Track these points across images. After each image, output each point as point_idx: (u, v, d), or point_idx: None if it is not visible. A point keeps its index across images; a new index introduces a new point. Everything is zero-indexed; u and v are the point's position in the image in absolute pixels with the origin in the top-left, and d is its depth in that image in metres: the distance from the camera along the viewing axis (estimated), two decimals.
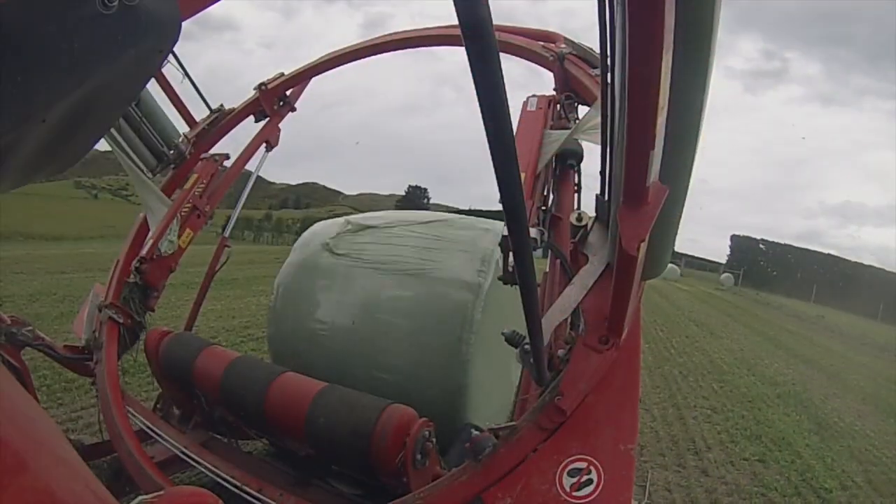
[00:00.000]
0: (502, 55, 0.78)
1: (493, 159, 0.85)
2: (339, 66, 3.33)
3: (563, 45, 2.63)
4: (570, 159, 2.43)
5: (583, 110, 2.58)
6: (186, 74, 3.14)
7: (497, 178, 0.88)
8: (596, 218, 1.71)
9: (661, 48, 0.91)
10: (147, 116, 3.09)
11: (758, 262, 44.97)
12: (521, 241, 1.06)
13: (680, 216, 1.55)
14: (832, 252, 45.02)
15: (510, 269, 1.60)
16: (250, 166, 3.61)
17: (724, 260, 46.16)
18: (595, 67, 2.46)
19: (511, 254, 1.37)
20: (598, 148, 1.54)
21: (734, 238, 48.26)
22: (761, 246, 47.23)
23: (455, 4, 0.66)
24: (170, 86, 3.18)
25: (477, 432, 1.76)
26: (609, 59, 1.20)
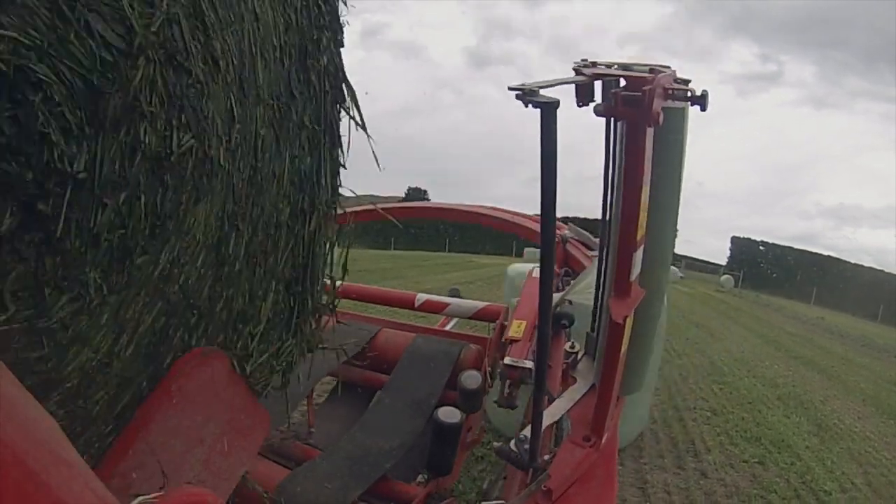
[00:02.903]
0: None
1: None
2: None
3: (567, 231, 3.21)
4: (563, 320, 2.69)
5: None
6: None
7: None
8: (585, 353, 2.21)
9: (641, 186, 1.58)
10: None
11: (758, 264, 44.93)
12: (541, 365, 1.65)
13: (653, 335, 2.09)
14: (831, 254, 44.81)
15: (505, 393, 2.12)
16: None
17: (724, 262, 46.13)
18: (592, 249, 2.98)
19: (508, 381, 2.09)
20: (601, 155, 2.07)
21: (734, 240, 48.23)
22: (761, 248, 47.17)
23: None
24: None
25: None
26: (610, 198, 1.92)
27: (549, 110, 1.13)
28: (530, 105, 1.11)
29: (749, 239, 48.11)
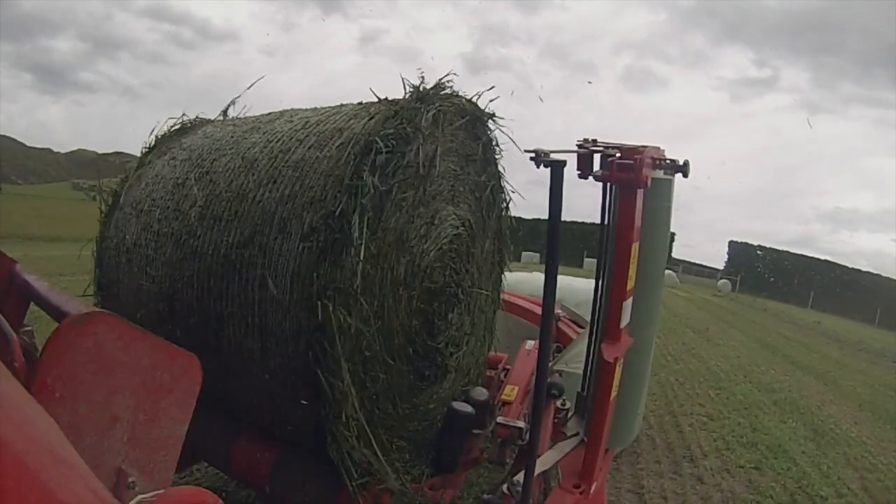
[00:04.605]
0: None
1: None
2: None
3: (560, 311, 3.47)
4: (553, 390, 2.79)
5: None
6: None
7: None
8: (575, 412, 2.45)
9: (632, 242, 1.91)
10: None
11: (755, 268, 44.95)
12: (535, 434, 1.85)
13: (639, 391, 2.36)
14: (828, 258, 44.78)
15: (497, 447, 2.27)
16: None
17: (721, 265, 46.10)
18: (582, 327, 3.26)
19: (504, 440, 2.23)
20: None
21: (732, 244, 48.25)
22: (758, 252, 47.21)
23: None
24: None
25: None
26: (605, 250, 2.15)
27: (557, 168, 1.49)
28: (542, 165, 1.47)
29: (746, 243, 48.17)
